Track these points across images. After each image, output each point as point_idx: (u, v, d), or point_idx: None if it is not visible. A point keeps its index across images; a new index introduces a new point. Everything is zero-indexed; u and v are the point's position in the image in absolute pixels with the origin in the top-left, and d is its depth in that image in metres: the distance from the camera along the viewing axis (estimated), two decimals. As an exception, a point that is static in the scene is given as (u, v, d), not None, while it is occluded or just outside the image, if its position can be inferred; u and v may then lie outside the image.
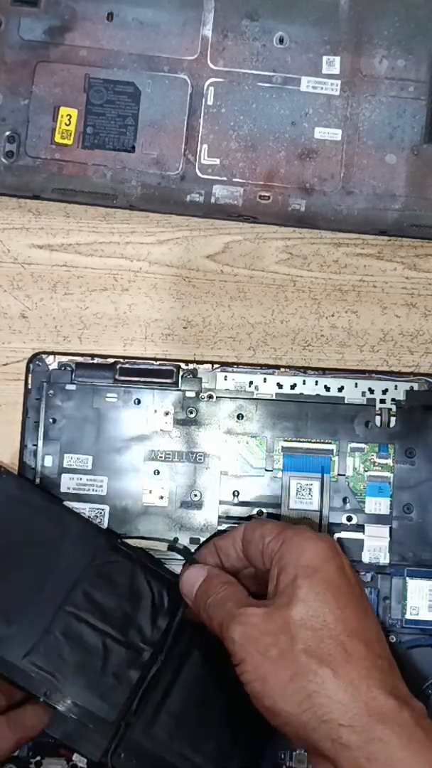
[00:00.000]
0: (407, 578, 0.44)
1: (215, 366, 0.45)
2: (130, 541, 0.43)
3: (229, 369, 0.45)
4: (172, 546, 0.44)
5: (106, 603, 0.41)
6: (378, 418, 0.45)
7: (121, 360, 0.45)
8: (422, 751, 0.31)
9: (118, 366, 0.45)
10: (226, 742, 0.39)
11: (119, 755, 0.38)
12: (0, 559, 0.41)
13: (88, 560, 0.41)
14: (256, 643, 0.35)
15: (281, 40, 0.44)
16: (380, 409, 0.45)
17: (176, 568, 0.43)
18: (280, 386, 0.45)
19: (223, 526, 0.44)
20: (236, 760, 0.39)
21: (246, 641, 0.35)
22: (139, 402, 0.45)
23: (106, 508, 0.44)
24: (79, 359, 0.45)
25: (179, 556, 0.43)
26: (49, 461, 0.44)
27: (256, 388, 0.45)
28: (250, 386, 0.45)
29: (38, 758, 0.42)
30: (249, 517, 0.44)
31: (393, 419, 0.45)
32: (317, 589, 0.35)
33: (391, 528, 0.44)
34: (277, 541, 0.37)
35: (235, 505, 0.45)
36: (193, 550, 0.43)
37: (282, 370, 0.45)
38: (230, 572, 0.40)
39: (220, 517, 0.44)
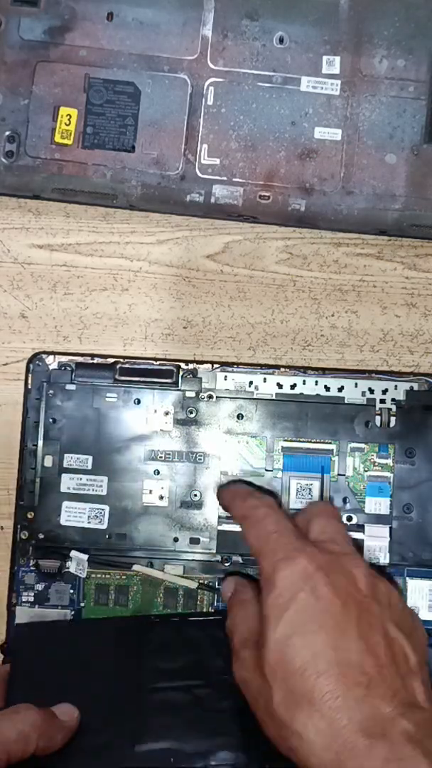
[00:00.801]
0: (407, 578, 0.44)
1: (215, 366, 0.45)
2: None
3: (229, 369, 0.45)
4: (203, 585, 0.44)
5: (175, 665, 0.41)
6: (378, 418, 0.45)
7: (121, 360, 0.45)
8: None
9: (118, 366, 0.45)
10: None
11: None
12: (67, 691, 0.40)
13: (138, 644, 0.41)
14: (250, 690, 0.35)
15: (281, 40, 0.44)
16: (380, 409, 0.45)
17: (176, 568, 0.43)
18: (280, 386, 0.45)
19: (223, 527, 0.44)
20: None
21: (243, 687, 0.36)
22: (139, 402, 0.45)
23: (106, 508, 0.44)
24: (79, 359, 0.45)
25: (185, 555, 0.43)
26: (49, 461, 0.44)
27: (256, 388, 0.45)
28: (250, 386, 0.45)
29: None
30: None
31: (393, 419, 0.45)
32: (284, 633, 0.34)
33: (391, 528, 0.44)
34: (261, 566, 0.36)
35: (235, 505, 0.45)
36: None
37: (282, 370, 0.45)
38: None
39: (220, 517, 0.44)
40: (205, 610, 0.44)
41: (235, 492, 0.42)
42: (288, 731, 0.33)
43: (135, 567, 0.44)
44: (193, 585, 0.44)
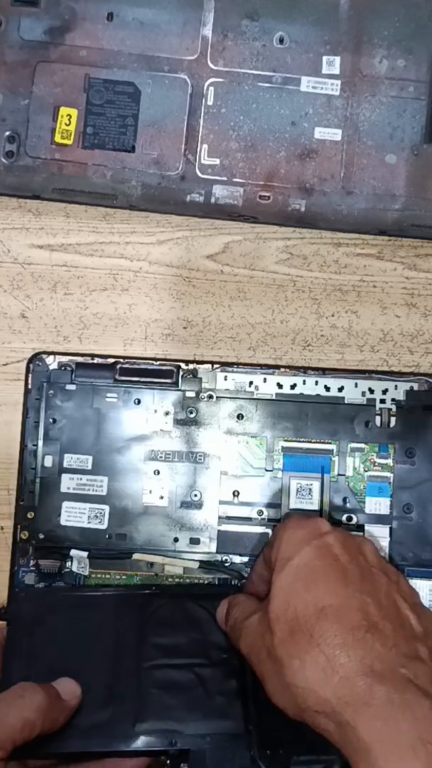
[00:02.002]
0: (407, 578, 0.44)
1: (215, 366, 0.45)
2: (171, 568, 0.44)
3: (229, 369, 0.45)
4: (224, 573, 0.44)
5: (176, 642, 0.41)
6: (378, 418, 0.45)
7: (121, 360, 0.45)
8: (386, 732, 0.30)
9: (118, 366, 0.45)
10: None
11: (266, 753, 0.37)
12: (67, 662, 0.40)
13: (139, 618, 0.41)
14: (254, 648, 0.36)
15: (281, 40, 0.44)
16: (380, 409, 0.45)
17: (176, 568, 0.43)
18: (280, 386, 0.45)
19: (223, 527, 0.44)
20: None
21: (249, 650, 0.36)
22: (139, 402, 0.45)
23: (106, 508, 0.44)
24: (79, 359, 0.45)
25: (185, 555, 0.43)
26: (49, 461, 0.44)
27: (256, 388, 0.45)
28: (250, 386, 0.45)
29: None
30: (249, 518, 0.44)
31: (393, 419, 0.45)
32: (288, 580, 0.35)
33: (391, 528, 0.44)
34: (271, 539, 0.37)
35: (235, 505, 0.45)
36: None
37: (282, 370, 0.45)
38: None
39: (220, 517, 0.44)
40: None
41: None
42: (287, 670, 0.33)
43: (135, 556, 0.44)
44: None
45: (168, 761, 0.42)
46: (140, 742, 0.38)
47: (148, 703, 0.39)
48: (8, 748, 0.33)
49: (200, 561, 0.44)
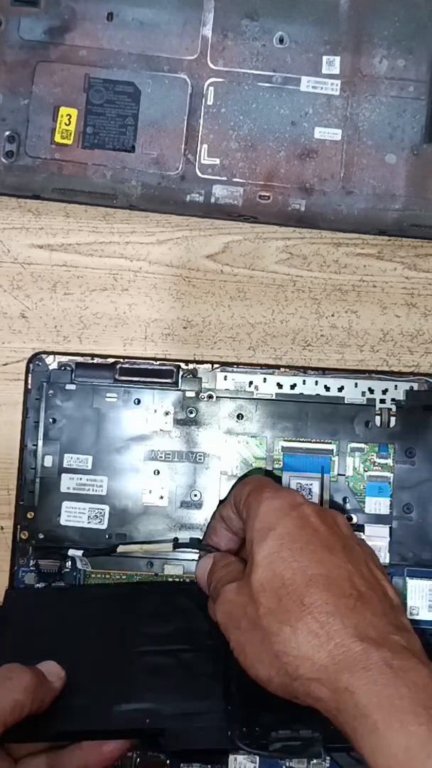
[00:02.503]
0: (407, 578, 0.44)
1: (215, 366, 0.45)
2: (132, 547, 0.44)
3: (229, 369, 0.45)
4: (180, 544, 0.44)
5: (162, 630, 0.41)
6: (378, 418, 0.45)
7: (121, 360, 0.45)
8: (386, 696, 0.29)
9: (118, 366, 0.45)
10: None
11: (244, 732, 0.36)
12: (54, 653, 0.39)
13: (127, 610, 0.42)
14: (233, 619, 0.35)
15: (281, 40, 0.44)
16: (380, 409, 0.45)
17: (175, 568, 0.43)
18: (280, 386, 0.45)
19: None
20: None
21: (226, 619, 0.35)
22: (139, 402, 0.45)
23: (106, 508, 0.44)
24: (79, 359, 0.45)
25: (184, 555, 0.43)
26: (49, 461, 0.44)
27: (256, 388, 0.45)
28: (250, 386, 0.45)
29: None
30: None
31: (393, 419, 0.45)
32: (272, 549, 0.34)
33: (391, 528, 0.44)
34: (245, 508, 0.37)
35: (235, 505, 0.45)
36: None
37: (282, 370, 0.45)
38: (239, 538, 0.40)
39: (220, 517, 0.44)
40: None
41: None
42: (275, 638, 0.32)
43: (120, 548, 0.43)
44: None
45: (168, 761, 0.42)
46: (115, 722, 0.37)
47: (130, 686, 0.38)
48: None
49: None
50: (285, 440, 0.45)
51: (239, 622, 0.35)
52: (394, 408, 0.45)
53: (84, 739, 0.37)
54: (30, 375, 0.45)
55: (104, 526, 0.44)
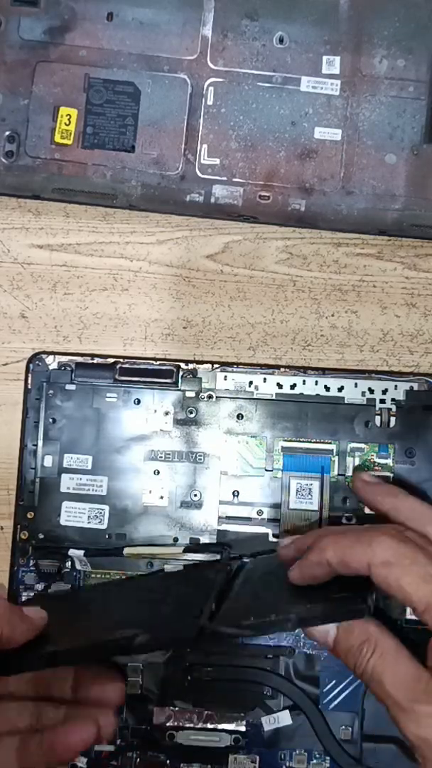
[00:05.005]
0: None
1: (215, 366, 0.45)
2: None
3: (229, 369, 0.45)
4: (189, 548, 0.44)
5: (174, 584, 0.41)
6: (378, 418, 0.45)
7: (121, 360, 0.45)
8: None
9: (118, 366, 0.45)
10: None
11: (211, 612, 0.36)
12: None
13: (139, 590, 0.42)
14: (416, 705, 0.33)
15: (281, 40, 0.44)
16: (380, 409, 0.45)
17: (175, 568, 0.43)
18: (280, 386, 0.45)
19: (223, 527, 0.44)
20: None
21: (424, 743, 0.33)
22: (139, 402, 0.45)
23: (106, 508, 0.44)
24: (79, 359, 0.45)
25: (185, 555, 0.43)
26: (49, 461, 0.44)
27: (256, 388, 0.45)
28: (250, 386, 0.45)
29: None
30: (249, 518, 0.44)
31: (393, 419, 0.45)
32: None
33: (391, 528, 0.44)
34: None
35: (235, 505, 0.45)
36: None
37: (282, 370, 0.45)
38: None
39: (220, 517, 0.44)
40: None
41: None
42: None
43: (126, 551, 0.44)
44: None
45: (168, 761, 0.42)
46: (84, 641, 0.37)
47: (126, 616, 0.38)
48: None
49: (200, 561, 0.44)
50: (285, 440, 0.45)
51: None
52: (394, 408, 0.45)
53: (58, 664, 0.37)
54: (30, 375, 0.45)
55: (104, 526, 0.44)
